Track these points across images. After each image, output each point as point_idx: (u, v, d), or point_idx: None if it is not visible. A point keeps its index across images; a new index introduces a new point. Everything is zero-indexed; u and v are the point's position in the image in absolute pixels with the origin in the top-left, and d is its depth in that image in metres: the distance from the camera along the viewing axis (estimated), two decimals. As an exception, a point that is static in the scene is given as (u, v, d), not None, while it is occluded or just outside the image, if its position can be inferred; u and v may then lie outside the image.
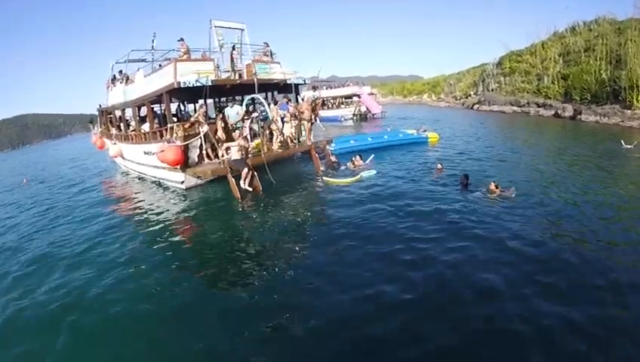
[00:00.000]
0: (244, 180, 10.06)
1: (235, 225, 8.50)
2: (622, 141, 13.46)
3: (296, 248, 6.77)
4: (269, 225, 8.06)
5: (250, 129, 11.62)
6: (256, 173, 10.42)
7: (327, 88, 39.89)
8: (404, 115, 36.49)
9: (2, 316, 5.63)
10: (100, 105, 18.72)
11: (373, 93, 43.27)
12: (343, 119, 35.73)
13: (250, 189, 10.17)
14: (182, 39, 11.92)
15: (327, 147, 13.70)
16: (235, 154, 10.12)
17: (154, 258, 7.10)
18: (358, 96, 37.71)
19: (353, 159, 12.76)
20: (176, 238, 8.04)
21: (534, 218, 7.23)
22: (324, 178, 11.38)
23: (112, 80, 16.59)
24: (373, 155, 13.40)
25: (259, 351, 4.16)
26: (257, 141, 11.94)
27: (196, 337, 4.52)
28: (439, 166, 11.28)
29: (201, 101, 12.40)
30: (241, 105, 12.02)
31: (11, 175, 27.95)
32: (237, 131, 11.45)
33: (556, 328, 4.15)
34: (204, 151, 11.53)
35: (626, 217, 7.23)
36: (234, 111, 11.80)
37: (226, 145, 10.54)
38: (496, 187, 8.57)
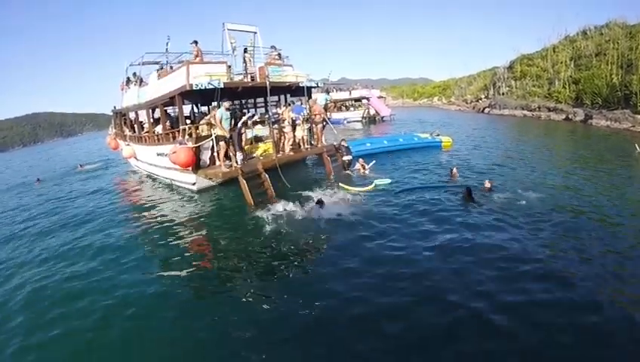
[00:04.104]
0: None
1: (246, 230, 8.40)
2: (636, 145, 13.30)
3: (307, 256, 6.79)
4: (280, 231, 8.02)
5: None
6: (268, 180, 10.37)
7: (336, 90, 39.91)
8: (414, 118, 36.40)
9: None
10: (115, 107, 19.06)
11: (382, 97, 43.22)
12: (345, 122, 35.39)
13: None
14: (195, 42, 11.87)
15: (343, 144, 13.59)
16: None
17: (160, 260, 7.31)
18: (367, 99, 37.76)
19: (361, 162, 12.82)
20: (185, 241, 8.18)
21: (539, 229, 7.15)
22: (339, 184, 11.12)
23: (127, 82, 16.86)
24: (374, 161, 13.34)
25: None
26: (266, 144, 11.96)
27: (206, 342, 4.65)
28: (454, 170, 11.32)
29: (214, 103, 12.48)
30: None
31: (24, 175, 28.23)
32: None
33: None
34: (215, 153, 11.58)
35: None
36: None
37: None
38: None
